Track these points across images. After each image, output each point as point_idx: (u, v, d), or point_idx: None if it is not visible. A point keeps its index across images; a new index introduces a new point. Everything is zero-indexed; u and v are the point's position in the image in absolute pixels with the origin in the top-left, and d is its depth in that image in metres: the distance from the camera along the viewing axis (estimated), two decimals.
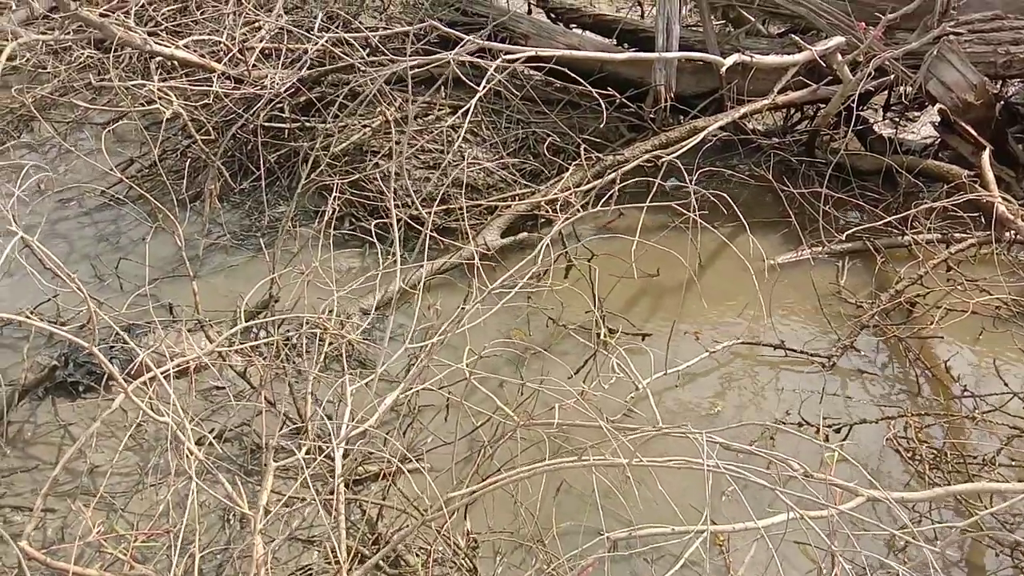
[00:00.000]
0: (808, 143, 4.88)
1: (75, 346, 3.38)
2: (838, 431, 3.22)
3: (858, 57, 4.35)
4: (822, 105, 4.94)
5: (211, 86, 4.39)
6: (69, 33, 4.69)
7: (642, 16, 5.93)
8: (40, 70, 4.87)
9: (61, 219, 4.48)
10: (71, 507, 2.78)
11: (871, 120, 5.21)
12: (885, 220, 4.18)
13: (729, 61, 3.90)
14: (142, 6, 4.96)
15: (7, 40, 4.19)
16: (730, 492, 2.80)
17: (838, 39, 4.25)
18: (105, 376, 3.26)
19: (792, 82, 4.64)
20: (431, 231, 3.59)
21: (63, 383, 3.33)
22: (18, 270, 3.41)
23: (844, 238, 4.17)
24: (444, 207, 4.01)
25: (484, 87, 3.45)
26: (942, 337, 3.70)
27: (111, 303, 3.52)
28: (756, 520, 1.91)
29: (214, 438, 2.87)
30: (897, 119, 5.30)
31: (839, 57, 4.26)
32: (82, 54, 4.72)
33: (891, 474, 3.09)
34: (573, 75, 4.42)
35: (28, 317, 2.33)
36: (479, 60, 3.81)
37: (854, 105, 4.54)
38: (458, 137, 4.08)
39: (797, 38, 4.46)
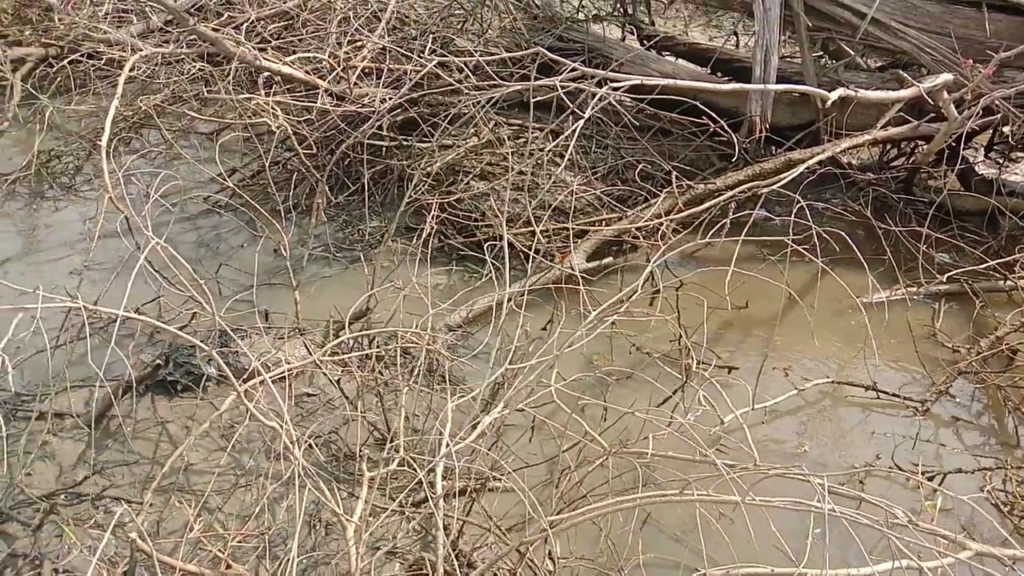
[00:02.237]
0: (907, 180, 4.77)
1: (176, 346, 3.52)
2: (931, 479, 3.12)
3: (964, 95, 4.25)
4: (920, 141, 4.82)
5: (314, 102, 4.53)
6: (183, 46, 4.91)
7: (737, 46, 5.90)
8: (152, 80, 5.10)
9: (164, 223, 4.66)
10: (168, 502, 2.88)
11: (972, 159, 5.06)
12: (986, 264, 4.05)
13: (834, 95, 3.85)
14: (251, 23, 5.16)
15: (127, 51, 4.40)
16: (817, 534, 2.76)
17: (946, 76, 4.15)
18: (203, 377, 3.38)
19: (892, 117, 4.54)
20: (523, 252, 3.63)
21: (163, 381, 3.46)
22: (124, 270, 3.56)
23: (943, 279, 4.05)
24: (537, 229, 4.05)
25: (589, 112, 3.48)
26: None
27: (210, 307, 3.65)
28: (869, 566, 1.87)
29: (311, 444, 2.94)
30: (1000, 159, 5.13)
31: (945, 95, 4.16)
32: (193, 66, 4.93)
33: (985, 528, 2.97)
34: (665, 100, 4.41)
35: (142, 316, 2.44)
36: (588, 88, 3.83)
37: (957, 144, 4.43)
38: (551, 163, 4.11)
39: (904, 73, 4.37)
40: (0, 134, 5.09)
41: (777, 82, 4.66)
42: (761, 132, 4.69)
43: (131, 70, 4.05)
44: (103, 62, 5.17)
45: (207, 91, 4.78)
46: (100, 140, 3.35)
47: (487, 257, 3.45)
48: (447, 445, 2.33)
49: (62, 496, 2.92)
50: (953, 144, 4.46)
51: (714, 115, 4.24)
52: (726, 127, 4.06)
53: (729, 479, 1.99)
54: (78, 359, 3.38)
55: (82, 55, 5.29)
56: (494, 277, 3.33)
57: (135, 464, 3.11)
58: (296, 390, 3.40)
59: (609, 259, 4.19)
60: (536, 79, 4.12)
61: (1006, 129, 4.83)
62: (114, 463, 3.10)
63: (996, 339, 3.69)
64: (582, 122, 3.49)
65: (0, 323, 2.43)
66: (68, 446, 3.20)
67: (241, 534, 2.48)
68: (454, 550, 2.70)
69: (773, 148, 4.92)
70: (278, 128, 4.13)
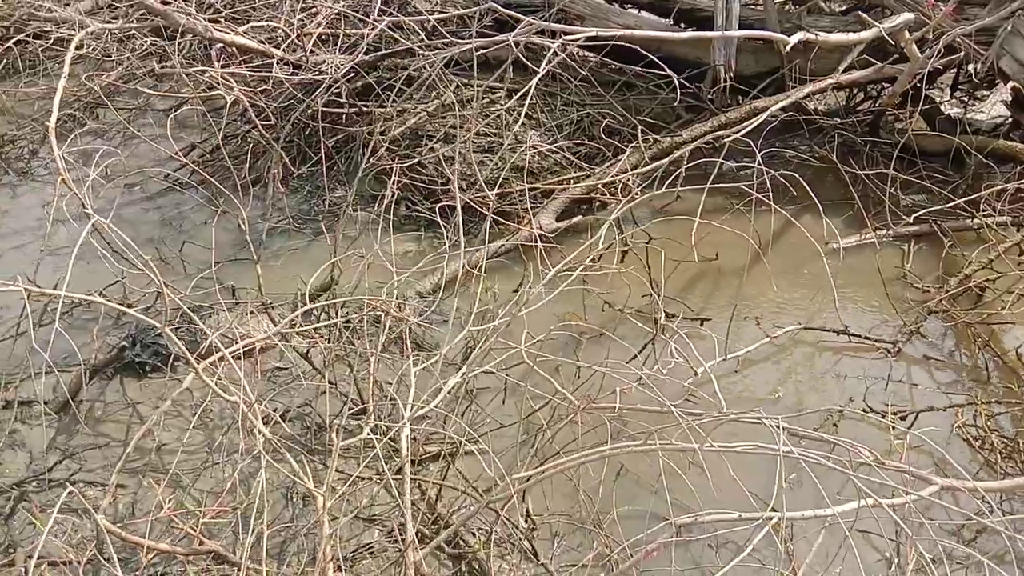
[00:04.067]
0: (872, 123, 4.75)
1: (142, 327, 3.47)
2: (904, 419, 3.14)
3: (926, 34, 4.22)
4: (886, 84, 4.80)
5: (270, 72, 4.43)
6: (133, 21, 4.78)
7: None
8: (105, 58, 4.98)
9: (126, 204, 4.58)
10: (141, 483, 2.86)
11: (938, 99, 5.05)
12: (953, 203, 4.06)
13: (793, 39, 3.81)
14: None
15: (75, 30, 4.28)
16: (792, 480, 2.78)
17: (906, 15, 4.12)
18: (171, 356, 3.34)
19: (856, 60, 4.51)
20: (488, 213, 3.59)
21: (131, 363, 3.41)
22: (86, 254, 3.50)
23: (911, 221, 4.06)
24: (501, 191, 4.01)
25: (544, 68, 3.41)
26: (1013, 323, 3.59)
27: (175, 285, 3.60)
28: (831, 507, 1.87)
29: (279, 418, 2.92)
30: (965, 98, 5.12)
31: (907, 34, 4.13)
32: (145, 42, 4.81)
33: (957, 463, 3.01)
34: (629, 54, 4.35)
35: (101, 298, 2.38)
36: (541, 41, 3.76)
37: (921, 84, 4.41)
38: (515, 121, 4.05)
39: (864, 15, 4.33)
40: None
41: (740, 29, 4.61)
42: (726, 81, 4.64)
43: (79, 47, 3.93)
44: (51, 42, 5.04)
45: (161, 66, 4.67)
46: (48, 122, 3.24)
47: (445, 222, 3.41)
48: (410, 409, 2.31)
49: (32, 483, 2.89)
50: (918, 85, 4.43)
51: (672, 65, 4.19)
52: (679, 79, 3.99)
53: (690, 428, 1.99)
54: (43, 346, 3.34)
55: (29, 36, 5.15)
56: (452, 242, 3.28)
57: (105, 447, 3.08)
58: (266, 364, 3.38)
59: (578, 217, 4.16)
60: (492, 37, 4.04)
61: (970, 67, 4.81)
62: (84, 447, 3.07)
63: (964, 277, 3.70)
64: (538, 77, 3.43)
65: None
66: (38, 433, 3.16)
67: (213, 510, 2.46)
68: (432, 513, 2.70)
69: (739, 98, 4.88)
70: (232, 101, 4.04)
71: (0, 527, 2.74)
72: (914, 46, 4.16)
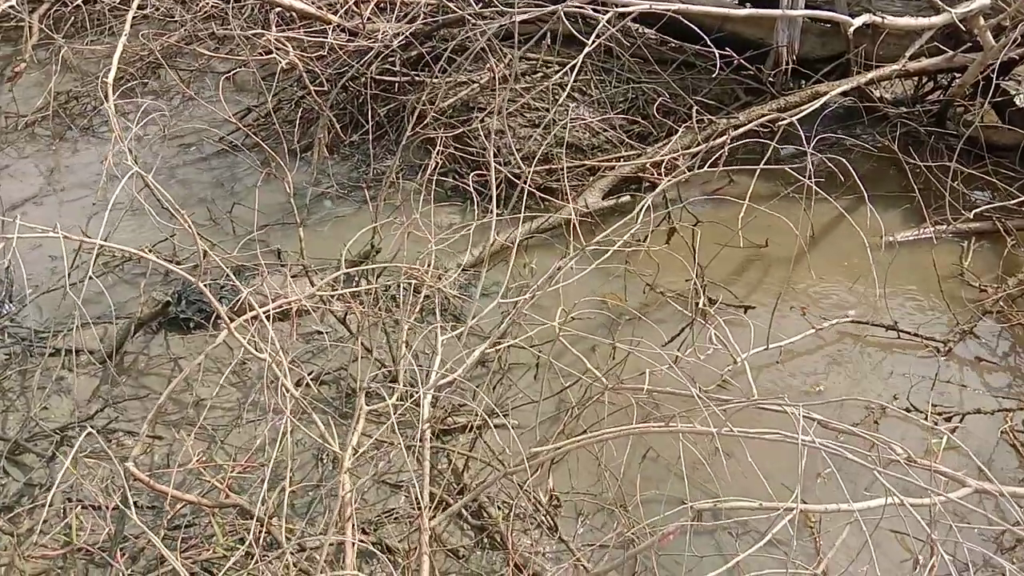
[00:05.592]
0: (939, 114, 4.57)
1: (188, 284, 3.55)
2: (948, 419, 3.04)
3: (1003, 21, 4.02)
4: (957, 74, 4.61)
5: (326, 38, 4.45)
6: None
7: None
8: (168, 19, 5.06)
9: (181, 164, 4.68)
10: (176, 436, 2.93)
11: (1014, 92, 4.83)
12: (1020, 199, 3.89)
13: (858, 21, 3.67)
14: None
15: None
16: (826, 474, 2.70)
17: (982, 1, 3.93)
18: (214, 314, 3.40)
19: (926, 48, 4.33)
20: (531, 189, 3.56)
21: (175, 319, 3.49)
22: (141, 208, 3.58)
23: (971, 216, 3.90)
24: (546, 167, 3.96)
25: (594, 41, 3.34)
26: None
27: (224, 245, 3.67)
28: (850, 502, 1.82)
29: (312, 380, 2.95)
30: None
31: (981, 21, 3.94)
32: (206, 3, 4.88)
33: (1004, 470, 2.90)
34: (689, 32, 4.24)
35: (147, 254, 2.43)
36: (591, 12, 3.69)
37: (994, 74, 4.21)
38: (563, 94, 3.99)
39: None
40: (18, 75, 5.10)
41: (806, 9, 4.45)
42: (788, 64, 4.51)
43: (141, 7, 4.00)
44: (118, 1, 5.14)
45: (220, 28, 4.73)
46: (107, 79, 3.31)
47: (479, 192, 3.40)
48: (435, 376, 2.31)
49: (74, 429, 2.98)
50: (990, 75, 4.23)
51: (735, 46, 4.07)
52: (740, 59, 3.87)
53: (712, 414, 1.94)
54: (94, 296, 3.44)
55: None
56: (496, 215, 3.27)
57: (146, 398, 3.16)
58: (306, 327, 3.42)
59: (626, 197, 4.11)
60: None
61: None
62: (126, 398, 3.15)
63: None
64: (586, 51, 3.36)
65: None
66: (83, 381, 3.26)
67: (241, 465, 2.51)
68: (458, 483, 2.71)
69: (802, 81, 4.74)
70: (287, 65, 4.07)
71: (43, 469, 2.84)
72: (988, 34, 3.97)
